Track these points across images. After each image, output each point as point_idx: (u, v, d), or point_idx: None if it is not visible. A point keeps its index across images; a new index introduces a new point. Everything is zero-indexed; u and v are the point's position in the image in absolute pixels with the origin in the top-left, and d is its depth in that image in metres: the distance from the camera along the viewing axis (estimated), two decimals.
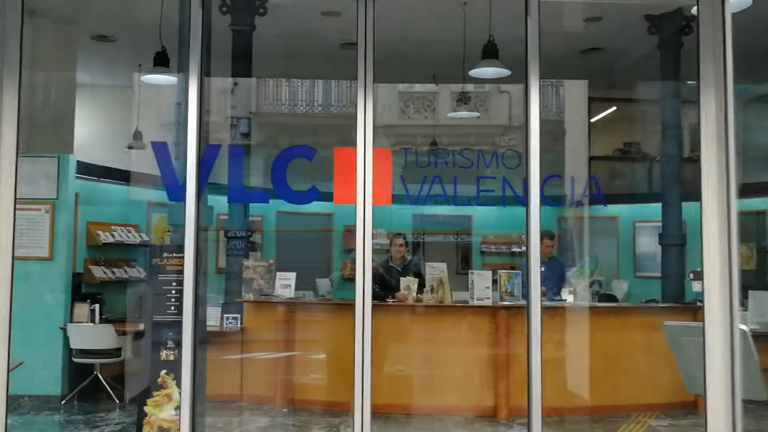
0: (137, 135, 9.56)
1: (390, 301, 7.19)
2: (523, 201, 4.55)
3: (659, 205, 10.76)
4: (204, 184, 4.32)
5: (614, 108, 13.36)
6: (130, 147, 9.62)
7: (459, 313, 7.09)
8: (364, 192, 4.37)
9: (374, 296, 7.19)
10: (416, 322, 7.08)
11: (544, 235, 7.61)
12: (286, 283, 7.55)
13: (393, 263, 7.67)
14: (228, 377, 7.16)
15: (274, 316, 7.26)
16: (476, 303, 7.11)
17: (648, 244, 11.06)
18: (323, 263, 11.68)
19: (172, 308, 5.50)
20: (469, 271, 7.34)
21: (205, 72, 4.40)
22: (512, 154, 6.44)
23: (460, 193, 6.13)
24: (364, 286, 4.34)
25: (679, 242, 9.14)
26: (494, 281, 7.29)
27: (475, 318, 7.03)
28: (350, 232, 11.80)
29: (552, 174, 5.43)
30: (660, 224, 10.55)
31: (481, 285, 7.17)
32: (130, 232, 9.41)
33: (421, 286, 7.41)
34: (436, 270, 7.24)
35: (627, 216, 11.38)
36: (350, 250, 11.61)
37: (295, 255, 11.39)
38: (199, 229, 4.28)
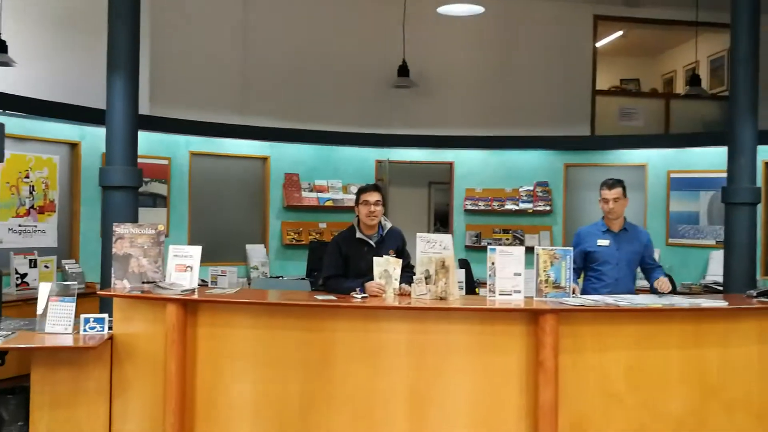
0: None
1: (357, 297, 4.29)
2: None
3: (706, 149, 8.27)
4: None
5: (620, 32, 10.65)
6: None
7: (475, 318, 4.22)
8: None
9: (326, 289, 4.39)
10: (401, 333, 4.18)
11: (607, 184, 4.90)
12: (184, 264, 4.59)
13: (361, 234, 4.74)
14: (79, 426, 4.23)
15: (163, 320, 4.29)
16: (500, 300, 4.31)
17: (687, 201, 8.44)
18: (256, 225, 8.69)
19: None
20: (489, 247, 4.46)
21: None
22: None
23: None
24: None
25: (752, 200, 6.55)
26: None
27: (501, 327, 4.19)
28: (292, 182, 8.94)
29: None
30: (703, 175, 8.16)
31: (508, 270, 4.35)
32: None
33: (406, 269, 4.58)
34: (434, 244, 4.35)
35: (658, 164, 8.66)
36: (292, 207, 8.68)
37: (217, 213, 8.43)
38: None
